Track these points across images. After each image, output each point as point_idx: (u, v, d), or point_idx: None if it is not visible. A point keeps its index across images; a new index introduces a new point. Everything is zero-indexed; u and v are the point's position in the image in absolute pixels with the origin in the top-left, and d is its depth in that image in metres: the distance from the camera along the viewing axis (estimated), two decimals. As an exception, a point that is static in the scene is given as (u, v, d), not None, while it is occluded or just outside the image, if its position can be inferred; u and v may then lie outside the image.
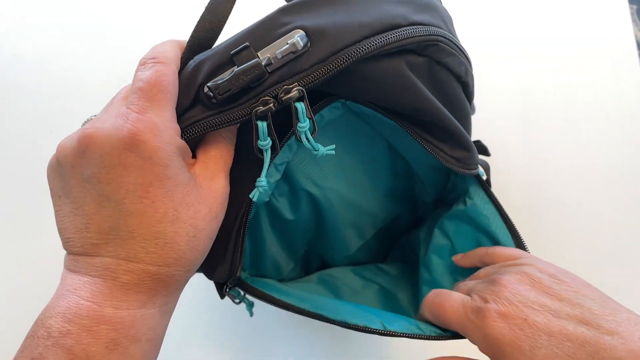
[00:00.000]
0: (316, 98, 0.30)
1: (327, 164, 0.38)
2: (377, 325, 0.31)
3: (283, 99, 0.25)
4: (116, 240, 0.23)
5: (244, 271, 0.37)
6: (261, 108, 0.25)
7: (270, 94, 0.25)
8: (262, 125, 0.25)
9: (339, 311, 0.32)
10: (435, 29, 0.28)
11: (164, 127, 0.23)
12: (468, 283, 0.31)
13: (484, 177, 0.36)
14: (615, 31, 0.61)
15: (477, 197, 0.35)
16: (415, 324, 0.31)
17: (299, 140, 0.26)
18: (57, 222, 0.25)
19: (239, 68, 0.24)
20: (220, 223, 0.27)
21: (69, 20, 0.60)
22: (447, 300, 0.29)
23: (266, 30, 0.25)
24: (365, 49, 0.25)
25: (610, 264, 0.50)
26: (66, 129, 0.55)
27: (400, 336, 0.30)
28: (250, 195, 0.27)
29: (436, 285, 0.38)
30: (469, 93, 0.33)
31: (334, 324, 0.31)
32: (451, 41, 0.29)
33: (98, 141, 0.22)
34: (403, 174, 0.42)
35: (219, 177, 0.26)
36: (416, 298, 0.40)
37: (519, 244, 0.33)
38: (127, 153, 0.22)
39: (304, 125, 0.25)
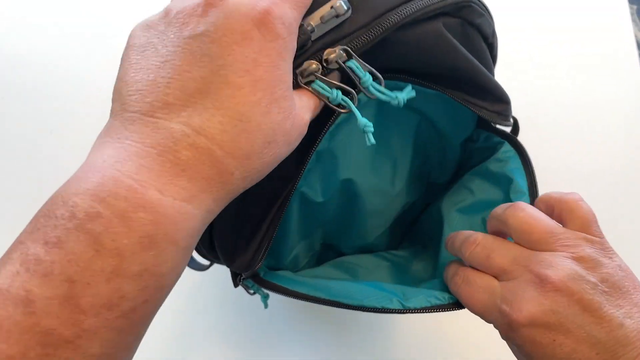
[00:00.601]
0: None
1: (357, 149, 0.38)
2: (395, 305, 0.30)
3: (327, 59, 0.25)
4: (197, 106, 0.20)
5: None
6: (307, 68, 0.25)
7: (315, 58, 0.25)
8: (318, 85, 0.25)
9: (354, 295, 0.31)
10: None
11: (292, 21, 0.22)
12: (495, 253, 0.28)
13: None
14: (615, 31, 0.61)
15: (510, 158, 0.34)
16: (433, 295, 0.31)
17: (370, 97, 0.26)
18: (120, 77, 0.22)
19: None
20: (284, 156, 0.24)
21: (69, 20, 0.60)
22: (475, 291, 0.28)
23: None
24: (407, 12, 0.26)
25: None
26: (66, 128, 0.56)
27: (419, 312, 0.30)
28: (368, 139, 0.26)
29: None
30: (494, 55, 0.34)
31: (351, 309, 0.31)
32: (481, 2, 0.30)
33: (227, 5, 0.21)
34: (425, 154, 0.41)
35: (308, 110, 0.25)
36: (434, 259, 0.39)
37: (532, 186, 0.33)
38: (252, 25, 0.21)
39: (365, 79, 0.25)
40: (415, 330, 0.48)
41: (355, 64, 0.25)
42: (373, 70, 0.26)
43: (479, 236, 0.30)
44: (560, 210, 0.29)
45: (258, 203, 0.31)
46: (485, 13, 0.31)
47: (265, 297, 0.36)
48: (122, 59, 0.22)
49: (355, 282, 0.36)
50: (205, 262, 0.38)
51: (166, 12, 0.23)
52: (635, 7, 0.63)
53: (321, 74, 0.25)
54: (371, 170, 0.40)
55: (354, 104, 0.26)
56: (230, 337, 0.48)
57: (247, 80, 0.21)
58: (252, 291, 0.34)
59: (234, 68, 0.20)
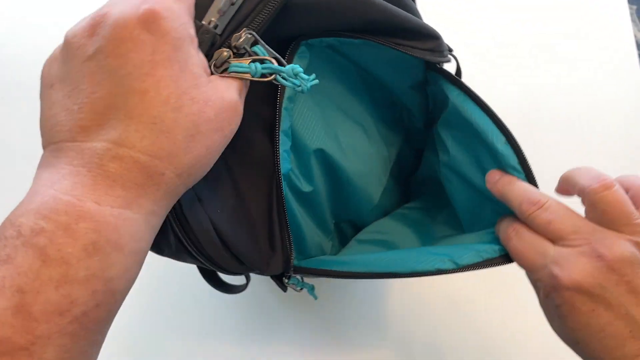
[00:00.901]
0: (281, 50, 0.30)
1: (318, 117, 0.38)
2: (448, 265, 0.31)
3: (235, 45, 0.25)
4: (111, 121, 0.21)
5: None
6: (219, 57, 0.25)
7: (225, 46, 0.25)
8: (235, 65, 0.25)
9: (405, 263, 0.32)
10: None
11: (179, 13, 0.23)
12: (559, 219, 0.29)
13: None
14: (615, 31, 0.61)
15: (452, 95, 0.34)
16: (483, 249, 0.31)
17: (277, 82, 0.25)
18: (41, 116, 0.23)
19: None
20: (225, 143, 0.25)
21: (69, 20, 0.60)
22: (527, 248, 0.29)
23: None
24: None
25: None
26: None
27: (473, 269, 0.31)
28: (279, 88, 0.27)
29: (461, 192, 0.38)
30: None
31: (406, 277, 0.31)
32: None
33: (112, 17, 0.22)
34: (387, 103, 0.41)
35: (234, 90, 0.24)
36: (452, 216, 0.40)
37: (504, 130, 0.33)
38: (140, 29, 0.21)
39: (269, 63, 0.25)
40: (413, 328, 0.48)
41: (260, 49, 0.25)
42: (277, 55, 0.26)
43: (549, 201, 0.30)
44: (636, 196, 0.29)
45: (256, 201, 0.31)
46: None
47: (312, 290, 0.36)
48: (40, 99, 0.23)
49: (399, 251, 0.35)
50: (240, 282, 0.38)
51: (63, 43, 0.24)
52: (635, 7, 0.63)
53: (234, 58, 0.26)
54: (336, 133, 0.39)
55: (275, 65, 0.26)
56: (227, 335, 0.48)
57: (150, 83, 0.21)
58: (299, 288, 0.35)
59: (134, 75, 0.21)
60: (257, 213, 0.31)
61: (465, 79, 0.36)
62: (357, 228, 0.45)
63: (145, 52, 0.21)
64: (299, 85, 0.26)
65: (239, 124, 0.25)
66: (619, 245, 0.26)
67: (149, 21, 0.21)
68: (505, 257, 0.31)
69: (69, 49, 0.23)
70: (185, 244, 0.29)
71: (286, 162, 0.33)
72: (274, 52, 0.26)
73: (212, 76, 0.24)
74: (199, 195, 0.29)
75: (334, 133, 0.39)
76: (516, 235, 0.30)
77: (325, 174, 0.40)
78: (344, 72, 0.38)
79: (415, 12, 0.33)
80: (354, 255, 0.36)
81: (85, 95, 0.21)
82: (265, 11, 0.25)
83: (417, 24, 0.31)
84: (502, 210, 0.33)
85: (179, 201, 0.27)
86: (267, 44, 0.26)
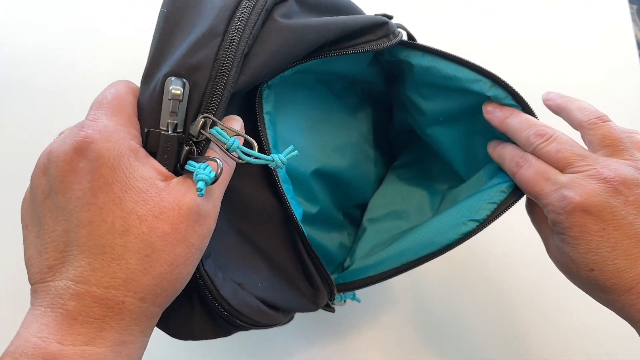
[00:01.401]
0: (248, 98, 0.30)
1: (302, 141, 0.38)
2: (471, 226, 0.32)
3: (195, 135, 0.24)
4: (69, 258, 0.21)
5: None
6: (187, 154, 0.25)
7: (187, 142, 0.25)
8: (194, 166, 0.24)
9: (433, 241, 0.33)
10: None
11: (114, 129, 0.23)
12: (566, 147, 0.31)
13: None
14: (615, 31, 0.61)
15: (415, 59, 0.34)
16: (491, 194, 0.33)
17: (244, 162, 0.24)
18: (24, 256, 0.24)
19: (159, 151, 0.24)
20: (198, 251, 0.24)
21: (69, 20, 0.60)
22: (537, 176, 0.30)
23: (147, 104, 0.25)
24: (234, 42, 0.25)
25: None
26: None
27: (495, 218, 0.32)
28: (273, 167, 0.25)
29: (455, 149, 0.39)
30: None
31: (441, 254, 0.32)
32: None
33: (54, 153, 0.22)
34: (348, 88, 0.42)
35: (194, 191, 0.23)
36: (445, 165, 0.41)
37: (486, 74, 0.33)
38: (77, 158, 0.22)
39: (230, 143, 0.24)
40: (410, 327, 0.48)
41: (217, 130, 0.24)
42: (243, 134, 0.25)
43: (556, 132, 0.32)
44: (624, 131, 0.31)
45: (284, 255, 0.33)
46: None
47: (354, 296, 0.38)
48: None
49: (419, 230, 0.36)
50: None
51: (29, 184, 0.24)
52: (635, 7, 0.63)
53: (196, 152, 0.24)
54: (321, 144, 0.40)
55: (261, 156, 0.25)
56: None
57: (93, 212, 0.21)
58: (343, 301, 0.36)
59: (79, 207, 0.21)
60: (290, 265, 0.33)
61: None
62: (363, 207, 0.46)
63: (85, 179, 0.21)
64: (272, 161, 0.25)
65: (210, 226, 0.24)
66: (623, 170, 0.28)
67: (83, 148, 0.22)
68: (515, 192, 0.32)
69: (32, 189, 0.24)
70: (241, 326, 0.30)
71: (297, 207, 0.34)
72: (239, 131, 0.25)
73: (172, 181, 0.23)
74: (238, 281, 0.29)
75: (320, 146, 0.40)
76: (527, 164, 0.31)
77: (325, 186, 0.41)
78: (306, 87, 0.38)
79: (354, 9, 0.33)
80: (381, 251, 0.36)
81: (48, 235, 0.22)
82: (217, 90, 0.24)
83: (363, 21, 0.31)
84: (492, 139, 0.34)
85: (225, 298, 0.27)
86: (229, 104, 0.25)
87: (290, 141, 0.35)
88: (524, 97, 0.33)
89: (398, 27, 0.35)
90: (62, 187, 0.22)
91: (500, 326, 0.47)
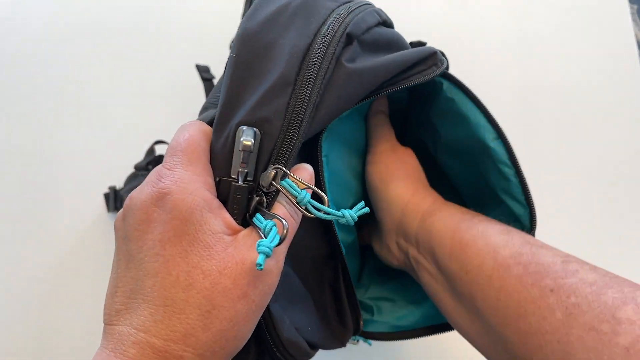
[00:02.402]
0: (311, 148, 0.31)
1: (345, 175, 0.39)
2: None
3: (265, 185, 0.24)
4: (134, 305, 0.22)
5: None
6: (256, 204, 0.25)
7: (257, 192, 0.25)
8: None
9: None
10: (344, 14, 0.28)
11: (190, 179, 0.23)
12: None
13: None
14: (616, 31, 0.61)
15: (444, 86, 0.35)
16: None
17: (313, 216, 0.24)
18: None
19: (229, 200, 0.24)
20: (259, 308, 0.23)
21: (69, 20, 0.60)
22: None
23: (220, 153, 0.25)
24: (307, 93, 0.25)
25: (610, 264, 0.49)
26: (66, 129, 0.55)
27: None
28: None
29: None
30: (389, 25, 0.34)
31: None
32: (355, 8, 0.29)
33: (133, 201, 0.23)
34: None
35: (254, 247, 0.23)
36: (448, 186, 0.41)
37: (495, 125, 0.33)
38: (153, 208, 0.22)
39: (301, 197, 0.24)
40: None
41: (288, 183, 0.24)
42: (313, 187, 0.24)
43: None
44: None
45: (325, 294, 0.34)
46: (362, 10, 0.30)
47: (366, 339, 0.39)
48: None
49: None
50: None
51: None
52: (635, 6, 0.63)
53: (266, 202, 0.24)
54: (358, 172, 0.41)
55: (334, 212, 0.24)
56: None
57: (160, 263, 0.22)
58: (356, 341, 0.38)
59: (148, 257, 0.22)
60: (328, 305, 0.34)
61: (465, 77, 0.36)
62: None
63: (157, 230, 0.22)
64: (343, 217, 0.24)
65: (272, 282, 0.24)
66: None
67: (160, 198, 0.22)
68: None
69: (115, 234, 0.24)
70: None
71: (344, 247, 0.35)
72: (311, 185, 0.24)
73: (239, 235, 0.23)
74: (295, 325, 0.30)
75: (356, 174, 0.40)
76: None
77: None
78: (348, 117, 0.38)
79: (403, 42, 0.33)
80: (407, 314, 0.38)
81: (120, 279, 0.23)
82: (288, 141, 0.24)
83: (415, 54, 0.31)
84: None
85: (283, 343, 0.28)
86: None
87: (339, 175, 0.36)
88: (518, 160, 0.33)
89: (442, 55, 0.35)
90: (135, 235, 0.22)
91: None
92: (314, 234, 0.33)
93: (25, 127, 0.56)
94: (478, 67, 0.59)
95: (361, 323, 0.35)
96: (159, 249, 0.22)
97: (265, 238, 0.22)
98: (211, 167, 0.25)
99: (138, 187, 0.24)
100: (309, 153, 0.31)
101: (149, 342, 0.21)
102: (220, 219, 0.23)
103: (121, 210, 0.24)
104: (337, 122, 0.35)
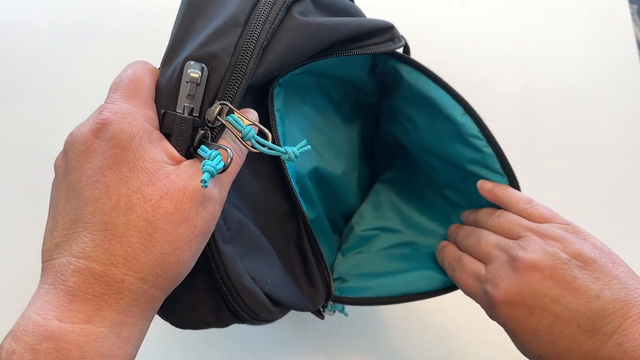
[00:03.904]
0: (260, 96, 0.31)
1: (308, 133, 0.39)
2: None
3: (211, 120, 0.24)
4: (74, 235, 0.22)
5: None
6: (201, 138, 0.25)
7: (203, 126, 0.25)
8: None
9: (422, 286, 0.36)
10: None
11: (129, 110, 0.23)
12: (483, 239, 0.32)
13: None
14: (616, 31, 0.61)
15: (405, 73, 0.36)
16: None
17: (257, 152, 0.25)
18: None
19: (173, 133, 0.25)
20: (201, 235, 0.24)
21: (69, 19, 0.60)
22: (467, 276, 0.32)
23: (165, 87, 0.25)
24: (256, 32, 0.25)
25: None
26: (65, 129, 0.55)
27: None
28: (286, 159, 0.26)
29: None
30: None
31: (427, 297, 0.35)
32: None
33: (74, 135, 0.23)
34: (343, 96, 0.43)
35: (198, 177, 0.23)
36: (434, 182, 0.42)
37: (460, 101, 0.34)
38: (92, 139, 0.22)
39: (245, 131, 0.24)
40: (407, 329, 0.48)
41: (233, 118, 0.24)
42: (258, 124, 0.25)
43: (474, 229, 0.33)
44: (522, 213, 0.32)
45: (290, 252, 0.34)
46: None
47: (343, 309, 0.38)
48: None
49: (413, 270, 0.38)
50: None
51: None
52: (635, 6, 0.63)
53: (210, 137, 0.25)
54: (316, 147, 0.41)
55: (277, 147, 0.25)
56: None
57: (100, 189, 0.22)
58: (333, 311, 0.37)
59: (87, 185, 0.22)
60: (295, 262, 0.34)
61: (464, 76, 0.36)
62: (347, 216, 0.47)
63: (95, 160, 0.22)
64: (285, 153, 0.25)
65: (215, 210, 0.24)
66: (529, 245, 0.28)
67: (99, 129, 0.22)
68: (453, 287, 0.36)
69: (55, 172, 0.24)
70: (243, 318, 0.30)
71: (303, 204, 0.35)
72: (254, 121, 0.25)
73: (181, 164, 0.23)
74: (252, 275, 0.30)
75: (318, 147, 0.40)
76: (458, 266, 0.33)
77: (319, 189, 0.41)
78: (309, 92, 0.39)
79: (359, 13, 0.34)
80: (385, 277, 0.38)
81: (60, 213, 0.23)
82: (235, 79, 0.25)
83: (372, 24, 0.32)
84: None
85: (234, 286, 0.28)
86: (242, 98, 0.25)
87: (295, 139, 0.36)
88: (490, 132, 0.34)
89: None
90: (76, 167, 0.22)
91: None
92: (274, 192, 0.33)
93: (26, 128, 0.56)
94: (478, 67, 0.59)
95: (332, 285, 0.35)
96: (99, 176, 0.22)
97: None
98: (157, 101, 0.25)
99: (80, 124, 0.24)
100: (260, 105, 0.31)
101: (89, 268, 0.21)
102: (161, 148, 0.23)
103: (62, 149, 0.24)
104: (294, 88, 0.35)
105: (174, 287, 0.24)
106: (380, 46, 0.32)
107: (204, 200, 0.23)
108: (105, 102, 0.24)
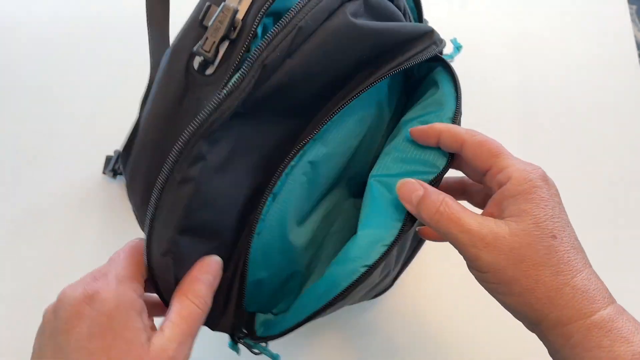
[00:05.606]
0: None
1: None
2: (361, 272, 0.30)
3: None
4: None
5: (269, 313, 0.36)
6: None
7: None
8: None
9: (329, 292, 0.31)
10: None
11: (120, 282, 0.26)
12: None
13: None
14: (615, 31, 0.61)
15: (443, 82, 0.34)
16: (378, 243, 0.31)
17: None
18: None
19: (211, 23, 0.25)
20: None
21: (68, 20, 0.60)
22: (463, 217, 0.28)
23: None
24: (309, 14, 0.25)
25: (611, 265, 0.50)
26: (65, 129, 0.56)
27: (383, 260, 0.30)
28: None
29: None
30: (399, 6, 0.33)
31: (337, 302, 0.31)
32: None
33: (66, 296, 0.26)
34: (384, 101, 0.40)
35: (171, 346, 0.26)
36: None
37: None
38: (84, 305, 0.25)
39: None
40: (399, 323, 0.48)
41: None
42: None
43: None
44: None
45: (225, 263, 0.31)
46: None
47: (275, 357, 0.35)
48: None
49: (316, 283, 0.34)
50: None
51: (42, 318, 0.27)
52: (635, 7, 0.63)
53: None
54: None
55: None
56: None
57: (84, 356, 0.24)
58: (256, 351, 0.34)
59: (75, 348, 0.24)
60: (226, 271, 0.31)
61: (464, 76, 0.36)
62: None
63: (85, 326, 0.24)
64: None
65: None
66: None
67: (91, 297, 0.25)
68: (405, 228, 0.31)
69: (42, 323, 0.26)
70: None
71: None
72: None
73: (155, 336, 0.26)
74: (177, 253, 0.28)
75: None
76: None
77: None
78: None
79: (399, 17, 0.33)
80: (285, 313, 0.35)
81: None
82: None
83: (413, 30, 0.31)
84: None
85: (151, 255, 0.28)
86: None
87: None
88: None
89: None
90: (65, 329, 0.25)
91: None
92: (238, 192, 0.31)
93: (26, 128, 0.56)
94: (477, 68, 0.59)
95: (243, 322, 0.32)
96: (86, 342, 0.24)
97: None
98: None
99: (73, 284, 0.26)
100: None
101: None
102: (141, 318, 0.26)
103: (53, 303, 0.26)
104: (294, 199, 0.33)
105: None
106: (424, 54, 0.32)
107: None
108: (100, 269, 0.27)
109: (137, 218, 0.29)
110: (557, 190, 0.28)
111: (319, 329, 0.48)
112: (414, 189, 0.30)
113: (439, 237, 0.33)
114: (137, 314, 0.26)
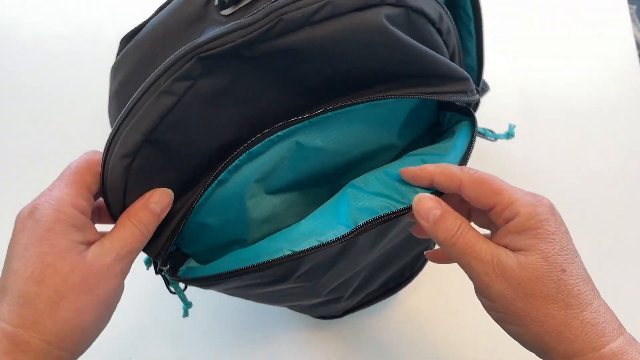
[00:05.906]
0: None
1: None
2: (285, 253, 0.30)
3: None
4: (0, 300, 0.26)
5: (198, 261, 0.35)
6: None
7: None
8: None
9: (250, 258, 0.31)
10: None
11: (60, 198, 0.27)
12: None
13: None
14: (615, 31, 0.61)
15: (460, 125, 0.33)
16: (389, 193, 0.30)
17: None
18: None
19: None
20: (103, 302, 0.28)
21: (68, 20, 0.60)
22: (478, 244, 0.27)
23: None
24: None
25: (611, 265, 0.49)
26: (65, 129, 0.56)
27: (370, 227, 0.29)
28: None
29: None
30: (445, 41, 0.32)
31: (284, 262, 0.30)
32: None
33: (18, 215, 0.27)
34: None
35: (108, 256, 0.27)
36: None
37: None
38: (27, 219, 0.27)
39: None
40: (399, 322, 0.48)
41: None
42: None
43: None
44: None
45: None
46: None
47: (186, 305, 0.35)
48: None
49: (302, 221, 0.33)
50: None
51: None
52: (635, 7, 0.63)
53: None
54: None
55: None
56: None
57: (21, 262, 0.26)
58: (172, 289, 0.34)
59: (14, 257, 0.26)
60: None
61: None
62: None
63: (25, 237, 0.26)
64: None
65: (117, 282, 0.28)
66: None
67: (32, 211, 0.27)
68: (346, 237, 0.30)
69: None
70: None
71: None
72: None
73: (94, 244, 0.28)
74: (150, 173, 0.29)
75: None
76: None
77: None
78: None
79: (442, 52, 0.31)
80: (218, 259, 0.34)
81: None
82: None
83: (451, 69, 0.30)
84: None
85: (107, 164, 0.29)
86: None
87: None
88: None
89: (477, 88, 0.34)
90: (12, 242, 0.27)
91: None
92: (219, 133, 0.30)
93: (25, 128, 0.56)
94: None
95: (164, 255, 0.32)
96: (23, 250, 0.26)
97: None
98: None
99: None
100: None
101: (2, 329, 0.25)
102: (81, 232, 0.27)
103: None
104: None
105: (82, 350, 0.28)
106: (450, 96, 0.30)
107: (106, 275, 0.27)
108: (48, 187, 0.28)
109: (108, 109, 0.30)
110: (562, 220, 0.28)
111: (319, 329, 0.48)
112: (433, 207, 0.28)
113: (447, 259, 0.35)
114: (76, 229, 0.27)
